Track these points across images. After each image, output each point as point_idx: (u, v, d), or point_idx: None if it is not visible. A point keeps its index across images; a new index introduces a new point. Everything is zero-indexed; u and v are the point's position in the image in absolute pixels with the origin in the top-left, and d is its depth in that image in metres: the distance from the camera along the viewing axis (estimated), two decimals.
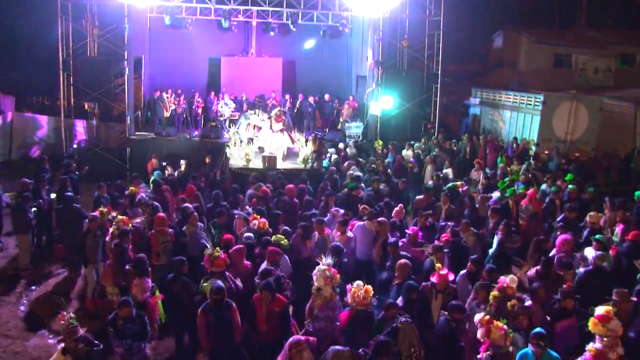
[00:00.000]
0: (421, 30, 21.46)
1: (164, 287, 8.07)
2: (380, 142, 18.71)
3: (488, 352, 5.95)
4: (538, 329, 6.11)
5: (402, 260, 7.96)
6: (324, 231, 9.48)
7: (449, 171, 15.22)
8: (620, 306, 6.92)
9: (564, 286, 7.37)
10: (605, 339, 5.93)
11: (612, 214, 11.16)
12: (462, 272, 8.22)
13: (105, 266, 9.02)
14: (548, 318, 7.11)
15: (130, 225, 9.52)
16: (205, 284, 7.58)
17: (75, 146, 18.30)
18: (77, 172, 14.02)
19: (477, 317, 6.26)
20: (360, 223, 9.94)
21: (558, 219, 11.08)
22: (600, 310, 6.08)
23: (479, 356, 6.11)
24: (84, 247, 9.59)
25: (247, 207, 10.93)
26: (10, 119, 20.23)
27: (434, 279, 7.51)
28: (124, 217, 9.66)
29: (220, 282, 7.07)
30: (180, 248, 9.42)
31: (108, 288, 8.91)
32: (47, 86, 23.23)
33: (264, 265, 8.01)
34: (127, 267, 8.25)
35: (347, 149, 17.78)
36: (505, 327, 6.08)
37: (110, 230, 9.55)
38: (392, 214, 10.71)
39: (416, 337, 6.35)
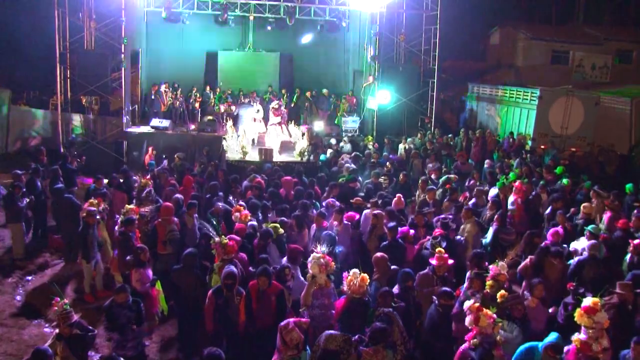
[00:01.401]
0: (418, 25, 21.56)
1: (170, 277, 8.09)
2: (370, 138, 18.79)
3: (475, 340, 5.95)
4: (553, 339, 5.88)
5: (378, 254, 7.89)
6: (322, 224, 9.47)
7: (436, 165, 15.22)
8: (622, 297, 6.96)
9: (569, 287, 7.37)
10: (590, 330, 5.90)
11: (599, 202, 11.23)
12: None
13: (114, 255, 9.06)
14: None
15: (139, 214, 9.61)
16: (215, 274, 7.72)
17: (74, 135, 18.24)
18: (74, 163, 14.06)
19: (467, 304, 6.26)
20: (367, 211, 10.19)
21: (547, 211, 11.11)
22: (587, 301, 6.06)
23: (463, 345, 6.09)
24: (85, 243, 9.50)
25: (230, 199, 10.99)
26: (6, 113, 20.19)
27: (433, 261, 7.55)
28: (134, 206, 9.73)
29: (232, 268, 7.18)
30: (182, 238, 9.48)
31: (116, 276, 9.04)
32: (44, 80, 23.16)
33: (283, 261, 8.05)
34: (127, 258, 8.27)
35: (342, 144, 17.79)
36: (494, 315, 6.09)
37: (119, 218, 9.62)
38: (392, 204, 10.75)
39: (400, 325, 6.35)
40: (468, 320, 6.05)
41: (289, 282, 7.48)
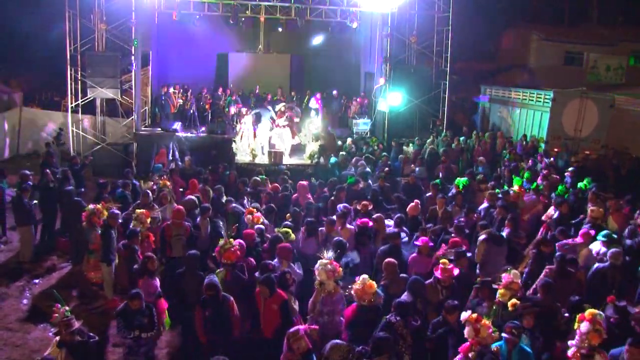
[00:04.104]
0: (430, 27, 21.34)
1: (175, 280, 8.01)
2: (374, 139, 18.66)
3: (474, 354, 5.78)
4: (514, 322, 6.05)
5: (388, 259, 7.76)
6: (333, 230, 9.31)
7: (421, 170, 15.04)
8: None
9: (609, 300, 7.04)
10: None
11: (600, 205, 11.01)
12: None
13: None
14: None
15: (150, 218, 9.58)
16: (219, 272, 7.63)
17: (59, 129, 18.31)
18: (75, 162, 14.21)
19: (464, 315, 6.07)
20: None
21: (554, 215, 10.87)
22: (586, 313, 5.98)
23: (457, 358, 5.92)
24: (106, 245, 9.37)
25: (245, 202, 10.94)
26: (18, 115, 20.30)
27: (437, 273, 7.38)
28: (144, 210, 9.66)
29: (213, 278, 7.02)
30: (193, 241, 9.45)
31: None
32: (55, 82, 23.24)
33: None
34: (134, 267, 8.16)
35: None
36: (491, 325, 5.94)
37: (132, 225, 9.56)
38: (407, 210, 10.59)
39: (403, 332, 6.21)
40: (467, 332, 5.86)
41: (292, 287, 7.34)
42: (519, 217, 10.45)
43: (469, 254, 8.63)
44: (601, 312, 6.04)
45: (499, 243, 9.05)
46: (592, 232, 9.18)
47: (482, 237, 9.11)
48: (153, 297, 7.67)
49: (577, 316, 6.02)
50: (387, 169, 14.38)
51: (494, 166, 16.07)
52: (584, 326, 5.83)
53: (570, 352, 5.91)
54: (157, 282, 7.95)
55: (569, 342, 5.97)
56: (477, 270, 8.86)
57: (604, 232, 9.20)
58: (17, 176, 12.75)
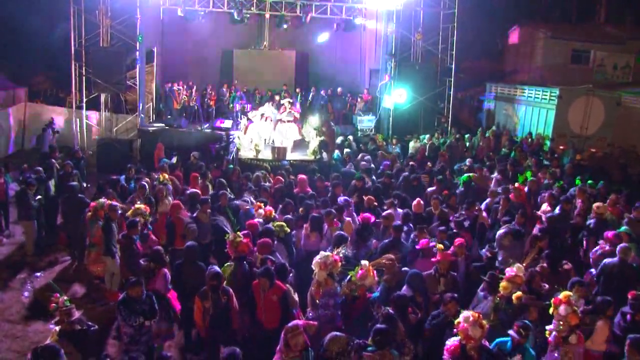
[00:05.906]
0: (435, 24, 21.26)
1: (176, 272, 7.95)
2: (381, 136, 18.58)
3: (473, 353, 5.68)
4: (524, 322, 5.89)
5: (387, 256, 7.64)
6: (333, 224, 9.26)
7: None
8: None
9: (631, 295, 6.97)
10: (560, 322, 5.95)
11: (585, 200, 10.98)
12: None
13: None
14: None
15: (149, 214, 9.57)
16: (227, 266, 7.60)
17: (51, 117, 18.56)
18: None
19: (464, 315, 5.80)
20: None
21: (555, 211, 10.75)
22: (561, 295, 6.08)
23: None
24: (108, 239, 9.32)
25: (247, 197, 10.95)
26: (23, 110, 20.35)
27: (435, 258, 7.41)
28: (144, 205, 9.64)
29: (216, 268, 6.97)
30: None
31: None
32: (61, 78, 23.28)
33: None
34: (142, 261, 8.11)
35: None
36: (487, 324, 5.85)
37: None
38: (412, 207, 10.53)
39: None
40: (471, 331, 5.72)
41: (290, 279, 7.29)
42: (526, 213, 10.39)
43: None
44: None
45: (518, 237, 9.04)
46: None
47: (502, 231, 9.09)
48: (167, 288, 7.67)
49: (552, 300, 6.10)
50: (412, 162, 14.39)
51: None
52: (562, 309, 5.92)
53: (551, 337, 5.98)
54: (168, 274, 7.91)
55: (547, 328, 6.04)
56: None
57: (624, 227, 9.11)
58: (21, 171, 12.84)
